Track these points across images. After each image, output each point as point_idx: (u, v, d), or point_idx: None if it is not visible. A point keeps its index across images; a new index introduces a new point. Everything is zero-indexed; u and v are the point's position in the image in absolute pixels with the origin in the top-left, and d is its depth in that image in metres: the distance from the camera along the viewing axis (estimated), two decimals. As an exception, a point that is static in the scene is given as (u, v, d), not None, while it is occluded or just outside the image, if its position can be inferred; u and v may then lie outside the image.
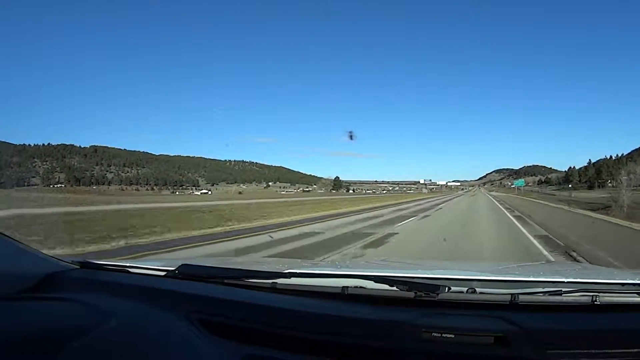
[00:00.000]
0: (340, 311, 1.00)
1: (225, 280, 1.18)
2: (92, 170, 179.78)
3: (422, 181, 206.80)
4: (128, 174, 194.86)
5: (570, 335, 0.90)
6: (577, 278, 1.14)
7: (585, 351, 0.86)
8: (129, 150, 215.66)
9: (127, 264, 1.34)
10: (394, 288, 1.02)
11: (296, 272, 1.20)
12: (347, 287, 1.07)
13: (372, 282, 1.07)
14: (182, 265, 1.23)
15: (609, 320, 0.94)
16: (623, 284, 1.09)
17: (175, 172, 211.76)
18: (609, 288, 1.05)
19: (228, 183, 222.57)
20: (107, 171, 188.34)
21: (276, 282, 1.14)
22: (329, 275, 1.24)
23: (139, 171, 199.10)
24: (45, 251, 1.27)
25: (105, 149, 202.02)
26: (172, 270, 1.22)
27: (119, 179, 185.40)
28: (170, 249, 7.43)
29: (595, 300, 0.98)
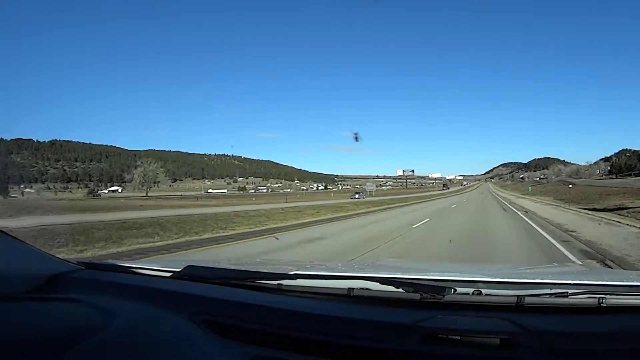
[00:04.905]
0: (345, 313, 1.03)
1: (231, 282, 1.22)
2: (34, 168, 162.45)
3: (401, 172, 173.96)
4: (76, 169, 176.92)
5: (577, 337, 0.90)
6: (583, 280, 1.17)
7: (591, 353, 0.88)
8: (94, 145, 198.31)
9: (133, 265, 1.39)
10: (400, 290, 1.05)
11: (302, 274, 1.24)
12: (353, 288, 1.11)
13: (378, 283, 1.09)
14: (187, 266, 1.28)
15: (616, 322, 0.95)
16: (630, 286, 1.12)
17: (136, 167, 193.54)
18: (615, 290, 1.07)
19: (194, 178, 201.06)
20: (52, 167, 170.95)
21: (282, 283, 1.18)
22: (334, 276, 1.27)
23: (91, 166, 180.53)
24: None
25: (65, 143, 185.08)
26: (178, 271, 1.27)
27: (60, 175, 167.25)
28: None
29: (602, 302, 0.98)
